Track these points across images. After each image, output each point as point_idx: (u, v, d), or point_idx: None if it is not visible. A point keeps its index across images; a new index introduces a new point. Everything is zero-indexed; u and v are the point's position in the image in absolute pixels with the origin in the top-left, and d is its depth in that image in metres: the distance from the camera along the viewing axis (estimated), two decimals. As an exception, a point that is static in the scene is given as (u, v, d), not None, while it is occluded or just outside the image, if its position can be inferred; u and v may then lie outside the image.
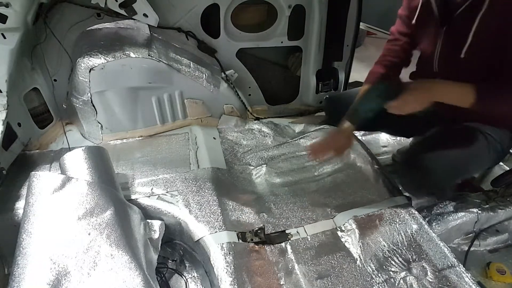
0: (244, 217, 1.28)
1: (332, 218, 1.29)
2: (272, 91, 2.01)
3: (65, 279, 0.90)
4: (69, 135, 1.66)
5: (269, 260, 1.13)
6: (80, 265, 0.92)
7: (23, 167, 1.43)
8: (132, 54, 1.49)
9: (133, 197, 1.29)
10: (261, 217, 1.28)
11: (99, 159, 1.21)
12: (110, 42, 1.52)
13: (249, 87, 1.94)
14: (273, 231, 1.23)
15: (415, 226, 1.22)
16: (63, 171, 1.17)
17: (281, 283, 1.07)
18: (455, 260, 1.10)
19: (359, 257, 1.14)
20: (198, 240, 1.16)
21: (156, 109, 1.67)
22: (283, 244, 1.19)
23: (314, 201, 1.37)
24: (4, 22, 1.25)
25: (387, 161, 1.85)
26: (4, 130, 1.31)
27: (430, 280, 1.06)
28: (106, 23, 1.59)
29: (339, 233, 1.23)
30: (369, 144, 1.87)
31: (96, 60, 1.46)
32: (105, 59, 1.46)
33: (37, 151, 1.56)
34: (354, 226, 1.22)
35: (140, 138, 1.69)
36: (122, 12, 1.47)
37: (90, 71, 1.46)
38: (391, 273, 1.09)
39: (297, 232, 1.24)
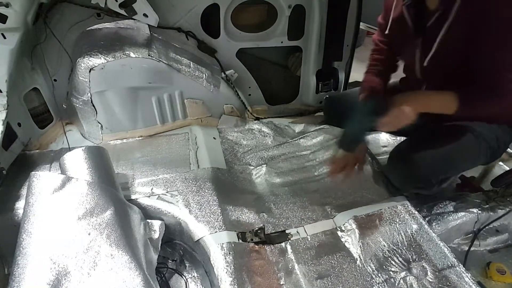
0: (244, 217, 1.28)
1: (332, 218, 1.29)
2: (272, 91, 2.01)
3: (65, 279, 0.90)
4: (69, 135, 1.66)
5: (269, 260, 1.13)
6: (80, 265, 0.92)
7: (23, 167, 1.42)
8: (132, 54, 1.49)
9: (133, 197, 1.29)
10: (261, 217, 1.28)
11: (99, 159, 1.21)
12: (110, 42, 1.52)
13: (249, 87, 1.94)
14: (273, 231, 1.23)
15: (415, 226, 1.22)
16: (63, 171, 1.17)
17: (281, 283, 1.07)
18: (455, 260, 1.10)
19: (359, 257, 1.14)
20: (198, 240, 1.16)
21: (156, 109, 1.67)
22: (283, 244, 1.19)
23: (314, 201, 1.37)
24: (4, 22, 1.25)
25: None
26: (4, 130, 1.31)
27: (430, 280, 1.06)
28: (106, 23, 1.59)
29: (339, 233, 1.23)
30: (369, 144, 1.87)
31: (96, 60, 1.46)
32: (105, 59, 1.46)
33: (37, 151, 1.56)
34: (354, 226, 1.22)
35: (140, 138, 1.69)
36: (122, 12, 1.47)
37: (90, 71, 1.46)
38: (391, 273, 1.09)
39: (297, 232, 1.24)
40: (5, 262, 1.19)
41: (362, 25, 2.43)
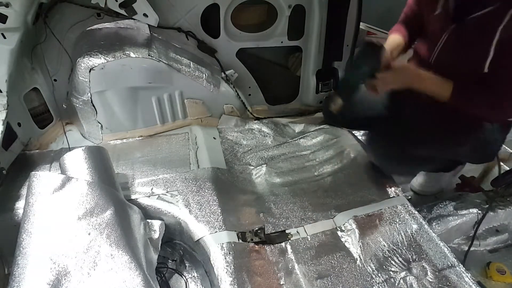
0: (244, 217, 1.28)
1: (332, 218, 1.29)
2: (272, 91, 2.01)
3: (65, 279, 0.90)
4: (69, 135, 1.66)
5: (269, 260, 1.13)
6: (80, 265, 0.92)
7: (23, 167, 1.42)
8: (132, 54, 1.49)
9: (133, 197, 1.29)
10: (261, 217, 1.28)
11: (99, 159, 1.21)
12: (110, 42, 1.52)
13: (249, 87, 1.94)
14: (273, 231, 1.23)
15: (415, 226, 1.22)
16: (63, 171, 1.17)
17: (281, 283, 1.07)
18: (455, 260, 1.10)
19: (359, 257, 1.14)
20: (198, 240, 1.17)
21: (156, 109, 1.67)
22: (283, 244, 1.19)
23: (314, 201, 1.37)
24: (4, 22, 1.25)
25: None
26: (4, 130, 1.31)
27: (430, 280, 1.06)
28: (106, 23, 1.59)
29: (339, 233, 1.23)
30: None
31: (96, 60, 1.46)
32: (105, 59, 1.46)
33: (37, 151, 1.56)
34: (354, 226, 1.22)
35: (140, 138, 1.69)
36: (122, 12, 1.47)
37: (90, 71, 1.46)
38: (391, 273, 1.09)
39: (297, 232, 1.24)
40: (5, 262, 1.19)
41: (362, 25, 2.43)
